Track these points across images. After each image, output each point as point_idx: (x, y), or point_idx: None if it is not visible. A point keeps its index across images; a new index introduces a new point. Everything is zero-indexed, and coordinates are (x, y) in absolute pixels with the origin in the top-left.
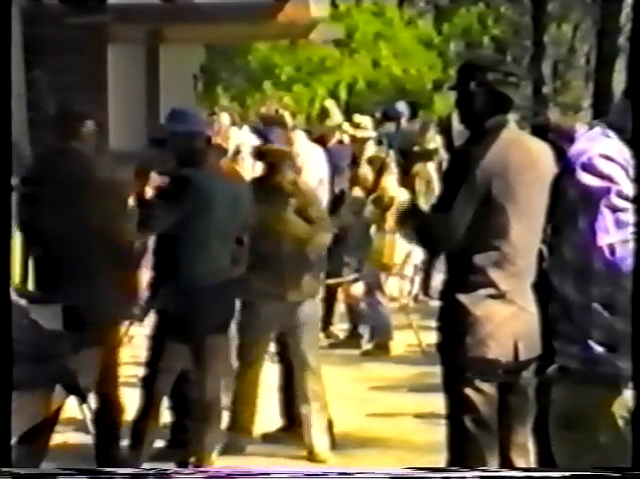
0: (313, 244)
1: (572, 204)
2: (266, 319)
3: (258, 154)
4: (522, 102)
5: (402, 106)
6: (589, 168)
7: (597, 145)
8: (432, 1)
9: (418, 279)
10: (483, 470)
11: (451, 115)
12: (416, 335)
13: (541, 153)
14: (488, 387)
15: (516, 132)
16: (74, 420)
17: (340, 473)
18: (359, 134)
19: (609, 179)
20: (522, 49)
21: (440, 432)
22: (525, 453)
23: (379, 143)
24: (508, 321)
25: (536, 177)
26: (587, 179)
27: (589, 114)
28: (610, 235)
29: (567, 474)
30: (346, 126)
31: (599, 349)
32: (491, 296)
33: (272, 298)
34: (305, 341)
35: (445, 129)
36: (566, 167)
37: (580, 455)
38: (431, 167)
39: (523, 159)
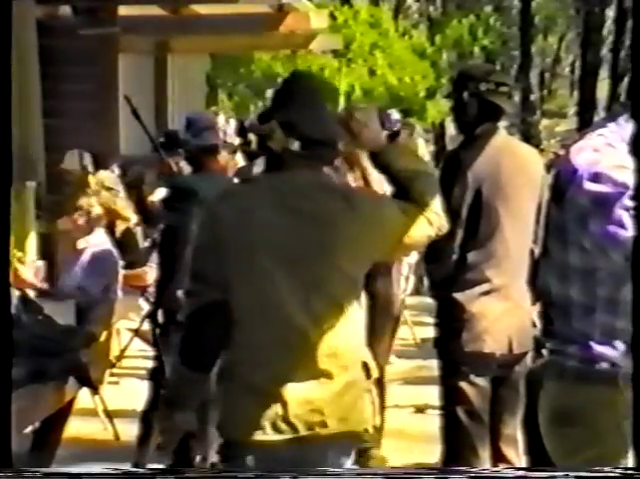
0: None
1: (582, 210)
2: None
3: None
4: (511, 109)
5: (396, 114)
6: (603, 178)
7: (607, 157)
8: (425, 13)
9: (412, 278)
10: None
11: (443, 121)
12: (410, 331)
13: (531, 157)
14: (482, 381)
15: (507, 138)
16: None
17: (338, 473)
18: None
19: (623, 185)
20: (511, 59)
21: (434, 424)
22: (514, 444)
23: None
24: (503, 317)
25: (526, 180)
26: (601, 187)
27: (574, 120)
28: (628, 230)
29: (572, 474)
30: None
31: (599, 348)
32: (486, 293)
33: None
34: None
35: (437, 134)
36: (573, 175)
37: (578, 451)
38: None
39: (514, 163)
